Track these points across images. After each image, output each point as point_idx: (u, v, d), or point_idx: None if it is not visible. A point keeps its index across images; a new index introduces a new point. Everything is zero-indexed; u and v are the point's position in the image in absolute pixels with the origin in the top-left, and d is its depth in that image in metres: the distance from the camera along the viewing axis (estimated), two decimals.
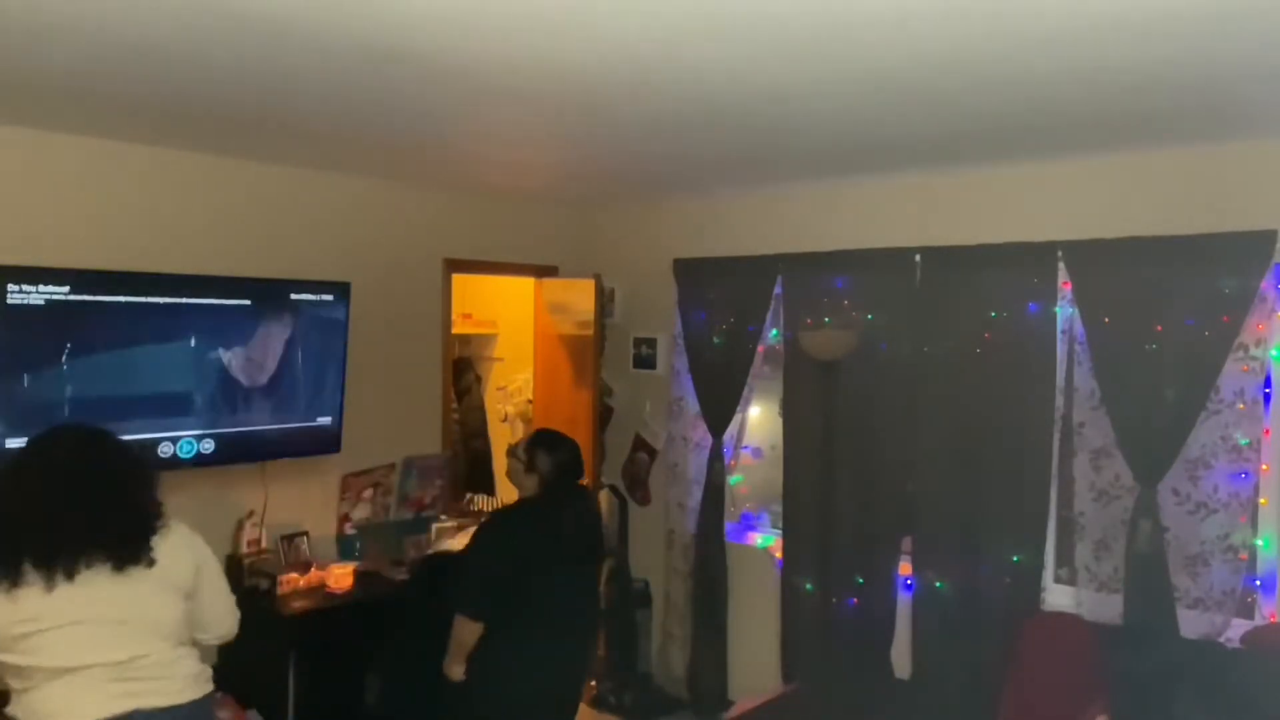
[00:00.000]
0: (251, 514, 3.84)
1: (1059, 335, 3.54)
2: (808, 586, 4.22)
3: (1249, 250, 3.08)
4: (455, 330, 5.01)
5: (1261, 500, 3.20)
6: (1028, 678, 3.43)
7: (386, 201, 4.35)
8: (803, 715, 3.81)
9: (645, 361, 4.97)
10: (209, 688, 2.29)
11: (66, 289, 3.16)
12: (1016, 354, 3.61)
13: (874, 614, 4.03)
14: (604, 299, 4.92)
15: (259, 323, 3.68)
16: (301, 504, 4.06)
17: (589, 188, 4.56)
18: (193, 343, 3.51)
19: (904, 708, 3.78)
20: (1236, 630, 3.16)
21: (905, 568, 3.98)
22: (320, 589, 3.76)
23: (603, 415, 5.01)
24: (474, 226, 4.73)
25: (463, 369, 5.67)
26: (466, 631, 2.99)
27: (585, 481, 3.44)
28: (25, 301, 3.08)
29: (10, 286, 3.04)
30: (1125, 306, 3.34)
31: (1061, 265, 3.50)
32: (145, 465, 2.34)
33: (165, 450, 3.43)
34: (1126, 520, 3.33)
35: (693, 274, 4.63)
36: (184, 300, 3.48)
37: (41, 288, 3.11)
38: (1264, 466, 3.17)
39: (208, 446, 3.57)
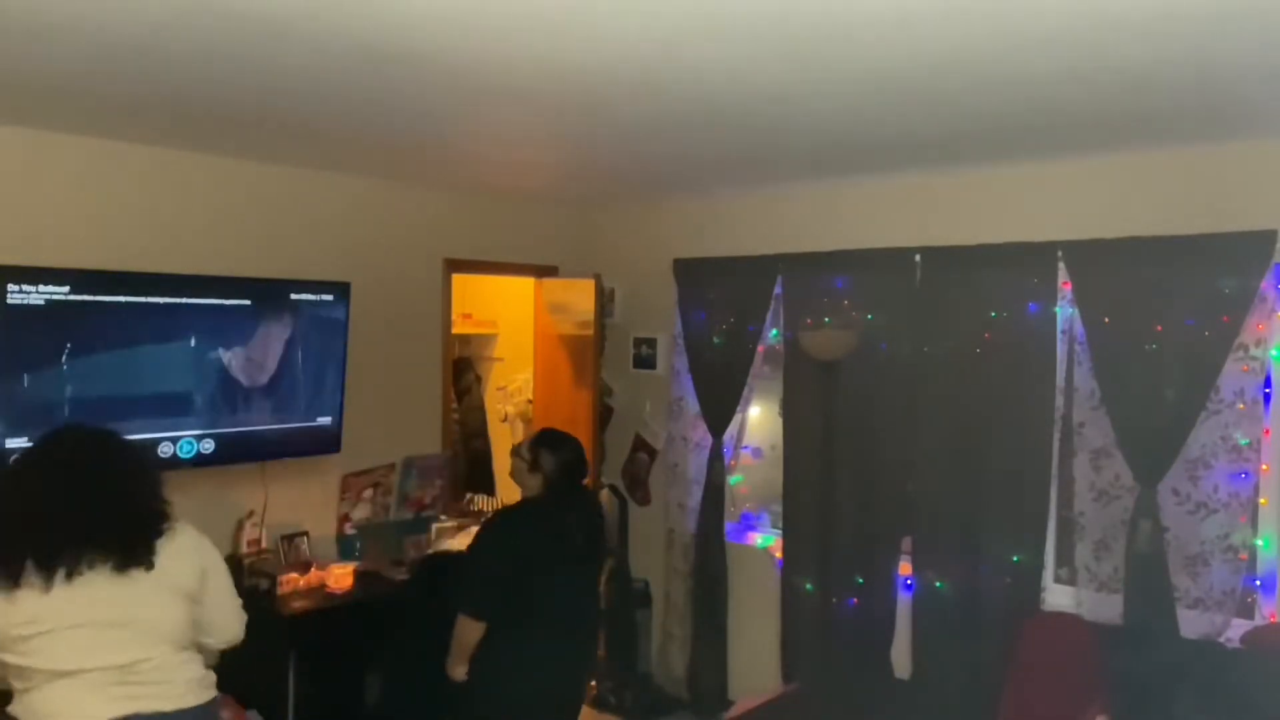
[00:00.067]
0: (251, 514, 3.84)
1: (1059, 335, 3.54)
2: (808, 586, 4.22)
3: (1249, 250, 3.08)
4: (455, 330, 5.01)
5: (1261, 500, 3.20)
6: (1027, 678, 3.43)
7: (386, 201, 4.35)
8: (803, 715, 3.81)
9: (645, 361, 4.97)
10: (212, 693, 2.26)
11: (66, 289, 3.16)
12: (1016, 354, 3.61)
13: (874, 614, 4.03)
14: (604, 299, 4.92)
15: (259, 323, 3.68)
16: (301, 504, 4.06)
17: (589, 188, 4.56)
18: (193, 343, 3.51)
19: (904, 708, 3.78)
20: (1236, 630, 3.16)
21: (905, 568, 3.98)
22: (320, 589, 3.76)
23: (603, 415, 5.01)
24: (474, 226, 4.73)
25: (463, 369, 5.67)
26: (468, 631, 2.99)
27: (588, 481, 3.44)
28: (25, 301, 3.08)
29: (10, 286, 3.04)
30: (1125, 306, 3.34)
31: (1061, 265, 3.50)
32: (149, 466, 2.32)
33: (165, 450, 3.43)
34: (1126, 520, 3.33)
35: (693, 274, 4.63)
36: (184, 300, 3.48)
37: (41, 288, 3.11)
38: (1264, 466, 3.17)
39: (208, 446, 3.57)
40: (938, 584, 3.82)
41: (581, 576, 3.22)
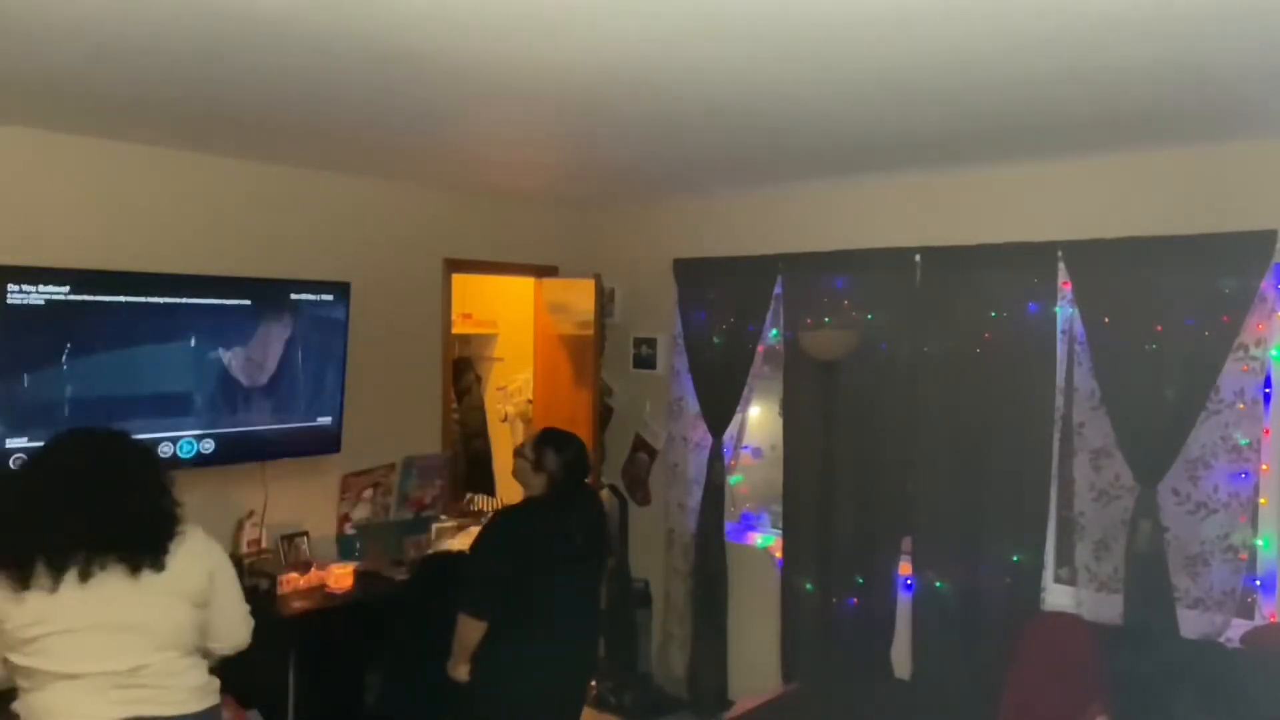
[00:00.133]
0: (251, 514, 3.84)
1: (1059, 335, 3.54)
2: (808, 586, 4.22)
3: (1249, 250, 3.09)
4: (455, 330, 5.00)
5: (1261, 500, 3.20)
6: (1027, 678, 3.43)
7: (386, 201, 4.35)
8: (803, 715, 3.81)
9: (645, 361, 4.97)
10: (214, 700, 2.26)
11: (66, 289, 3.16)
12: (1016, 354, 3.61)
13: (874, 614, 4.03)
14: (604, 299, 4.92)
15: (259, 323, 3.69)
16: (301, 504, 4.05)
17: (589, 188, 4.56)
18: (193, 343, 3.51)
19: (904, 708, 3.78)
20: (1236, 630, 3.16)
21: (905, 568, 3.98)
22: (320, 589, 3.76)
23: (603, 415, 5.01)
24: (474, 226, 4.73)
25: (463, 369, 5.67)
26: (470, 631, 2.98)
27: (588, 481, 3.44)
28: (25, 301, 3.08)
29: (10, 286, 3.04)
30: (1125, 306, 3.34)
31: (1061, 265, 3.50)
32: (158, 467, 2.30)
33: (165, 450, 3.42)
34: (1126, 520, 3.33)
35: (693, 274, 4.63)
36: (184, 300, 3.48)
37: (41, 288, 3.11)
38: (1264, 466, 3.17)
39: (208, 446, 3.57)
40: (938, 584, 3.82)
41: (583, 576, 3.21)
